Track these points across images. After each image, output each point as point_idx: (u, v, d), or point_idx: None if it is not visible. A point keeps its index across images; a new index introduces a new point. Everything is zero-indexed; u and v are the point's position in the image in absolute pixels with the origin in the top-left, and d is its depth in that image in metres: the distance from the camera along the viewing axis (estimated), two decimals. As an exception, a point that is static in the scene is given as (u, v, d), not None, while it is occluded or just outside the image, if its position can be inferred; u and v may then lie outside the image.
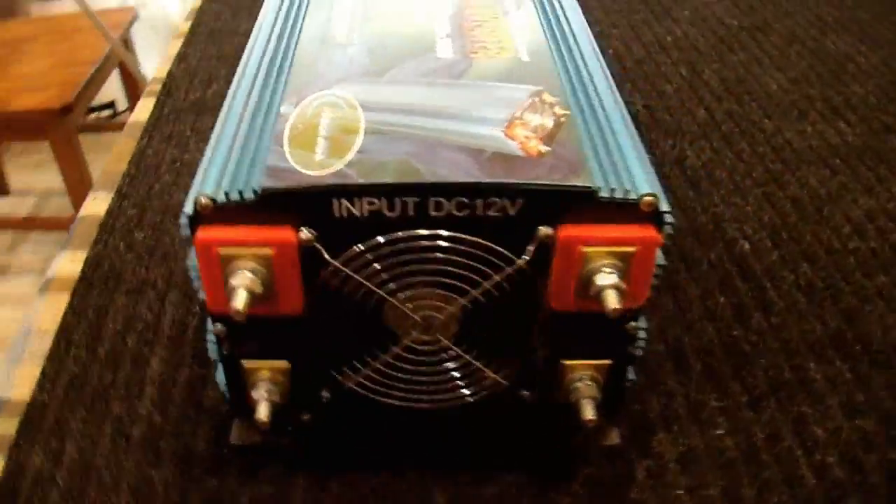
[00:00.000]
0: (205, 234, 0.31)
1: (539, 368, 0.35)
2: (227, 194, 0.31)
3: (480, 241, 0.31)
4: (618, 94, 0.39)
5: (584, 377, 0.35)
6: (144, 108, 0.64)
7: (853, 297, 0.47)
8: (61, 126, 1.12)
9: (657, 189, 0.31)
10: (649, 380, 0.41)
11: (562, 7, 0.45)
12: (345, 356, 0.35)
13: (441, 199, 0.30)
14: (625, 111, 0.37)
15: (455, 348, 0.34)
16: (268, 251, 0.31)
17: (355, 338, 0.34)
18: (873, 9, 0.81)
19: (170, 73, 0.69)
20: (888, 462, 0.37)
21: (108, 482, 0.36)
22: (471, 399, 0.36)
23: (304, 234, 0.31)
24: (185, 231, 0.32)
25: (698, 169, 0.57)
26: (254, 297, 0.31)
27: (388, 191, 0.30)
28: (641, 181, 0.31)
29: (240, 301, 0.30)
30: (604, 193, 0.30)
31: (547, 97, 0.35)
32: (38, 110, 1.10)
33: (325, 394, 0.36)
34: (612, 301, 0.30)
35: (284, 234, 0.31)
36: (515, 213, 0.31)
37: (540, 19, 0.43)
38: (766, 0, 0.83)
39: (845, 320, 0.45)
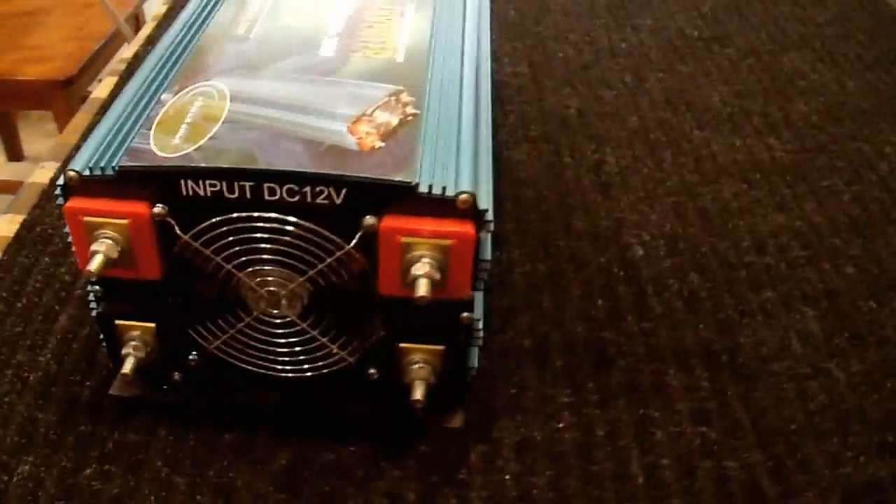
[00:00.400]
0: (72, 203, 0.35)
1: (378, 349, 0.38)
2: (90, 170, 0.35)
3: (310, 225, 0.34)
4: (486, 99, 0.42)
5: (419, 360, 0.38)
6: (106, 87, 0.69)
7: (733, 310, 0.49)
8: (64, 97, 1.18)
9: (480, 189, 0.34)
10: (506, 371, 0.44)
11: (464, 11, 0.48)
12: (204, 321, 0.39)
13: (274, 185, 0.34)
14: (484, 116, 0.40)
15: (301, 323, 0.38)
16: (125, 222, 0.35)
17: (211, 305, 0.38)
18: (839, 27, 0.82)
19: (136, 55, 0.73)
20: (721, 469, 0.39)
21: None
22: (320, 372, 0.39)
23: (157, 209, 0.35)
24: (59, 201, 0.36)
25: (613, 175, 0.60)
26: (112, 261, 0.35)
27: (226, 174, 0.34)
28: (465, 180, 0.34)
29: (94, 264, 0.34)
30: (422, 189, 0.33)
31: (404, 97, 0.38)
32: (42, 81, 1.16)
33: (193, 356, 0.40)
34: (422, 289, 0.33)
35: (139, 207, 0.35)
36: (342, 202, 0.34)
37: (433, 22, 0.46)
38: (734, 12, 0.84)
39: (718, 331, 0.48)
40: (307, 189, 0.34)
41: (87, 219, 0.35)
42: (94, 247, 0.35)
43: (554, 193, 0.58)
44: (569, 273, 0.51)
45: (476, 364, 0.40)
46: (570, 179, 0.59)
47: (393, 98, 0.38)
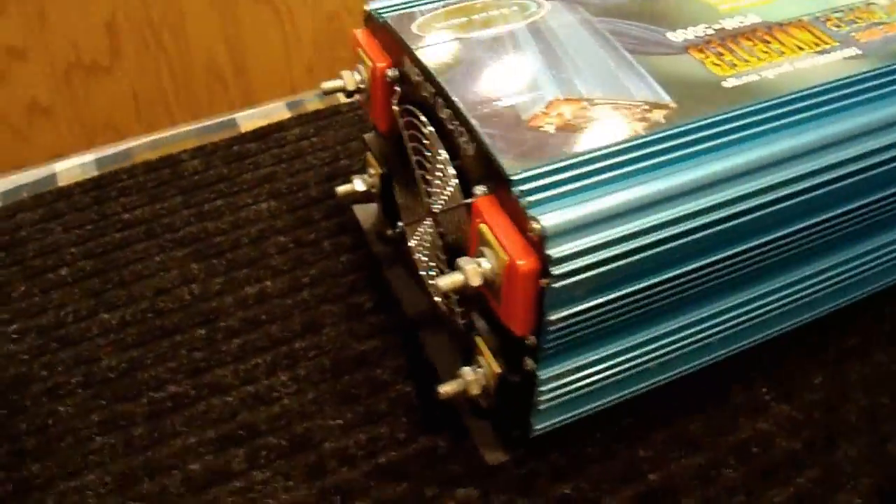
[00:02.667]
0: (358, 32, 0.41)
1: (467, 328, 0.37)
2: (375, 12, 0.39)
3: (453, 161, 0.34)
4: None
5: (479, 361, 0.35)
6: None
7: None
8: None
9: (569, 238, 0.28)
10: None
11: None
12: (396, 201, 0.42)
13: (446, 106, 0.34)
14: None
15: (438, 243, 0.38)
16: (370, 66, 0.39)
17: (404, 186, 0.41)
18: None
19: None
20: None
21: None
22: (439, 307, 0.40)
23: (390, 71, 0.38)
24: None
25: None
26: (352, 91, 0.41)
27: (426, 75, 0.35)
28: (562, 214, 0.29)
29: (346, 80, 0.40)
30: (514, 189, 0.29)
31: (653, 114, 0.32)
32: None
33: (396, 226, 0.44)
34: (456, 272, 0.31)
35: (381, 61, 0.39)
36: (473, 155, 0.32)
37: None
38: None
39: None
40: (457, 125, 0.33)
41: (357, 49, 0.40)
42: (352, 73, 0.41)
43: None
44: None
45: (535, 424, 0.35)
46: None
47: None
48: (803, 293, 0.38)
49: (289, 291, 0.44)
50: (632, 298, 0.32)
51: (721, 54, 0.36)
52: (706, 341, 0.36)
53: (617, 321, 0.33)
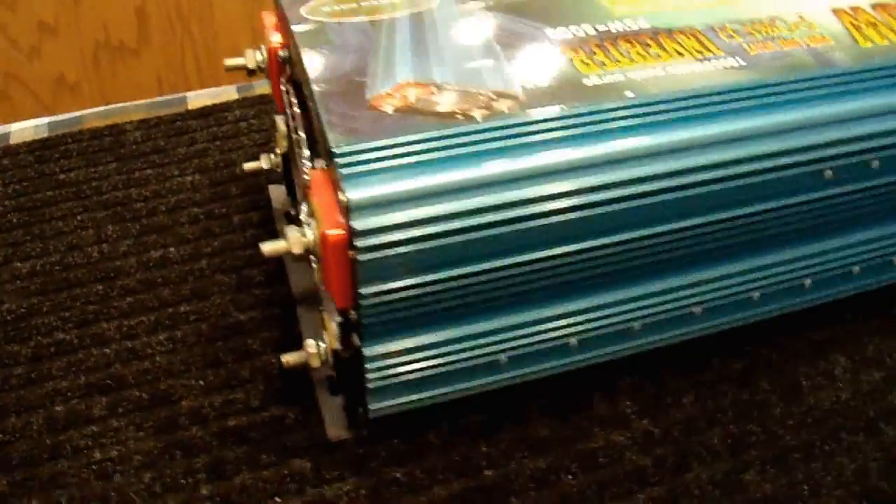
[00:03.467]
0: (265, 13, 0.42)
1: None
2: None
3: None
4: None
5: (321, 328, 0.36)
6: None
7: None
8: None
9: (382, 211, 0.29)
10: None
11: None
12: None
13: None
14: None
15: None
16: (267, 46, 0.41)
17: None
18: None
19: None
20: None
21: None
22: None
23: (282, 51, 0.40)
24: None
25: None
26: (252, 70, 0.42)
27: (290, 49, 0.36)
28: (375, 187, 0.29)
29: (246, 59, 0.42)
30: (337, 160, 0.30)
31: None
32: None
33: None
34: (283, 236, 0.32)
35: (276, 40, 0.40)
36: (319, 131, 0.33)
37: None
38: None
39: None
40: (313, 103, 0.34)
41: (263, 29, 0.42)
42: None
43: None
44: None
45: (370, 404, 0.35)
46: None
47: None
48: (674, 306, 0.37)
49: (189, 259, 0.46)
50: (454, 284, 0.32)
51: (594, 53, 0.36)
52: (560, 342, 0.36)
53: (448, 305, 0.33)
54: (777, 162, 0.35)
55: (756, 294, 0.39)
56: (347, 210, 0.29)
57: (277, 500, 0.35)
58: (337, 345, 0.34)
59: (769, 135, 0.34)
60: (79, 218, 0.48)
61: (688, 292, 0.37)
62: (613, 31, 0.38)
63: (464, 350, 0.35)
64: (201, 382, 0.40)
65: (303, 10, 0.39)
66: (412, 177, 0.30)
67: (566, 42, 0.37)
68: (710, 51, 0.37)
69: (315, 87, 0.33)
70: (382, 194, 0.30)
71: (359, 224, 0.29)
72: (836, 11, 0.41)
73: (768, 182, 0.35)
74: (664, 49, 0.37)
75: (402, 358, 0.34)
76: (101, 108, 0.57)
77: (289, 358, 0.36)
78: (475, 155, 0.31)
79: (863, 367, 0.40)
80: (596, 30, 0.38)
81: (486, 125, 0.32)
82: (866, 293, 0.42)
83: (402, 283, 0.31)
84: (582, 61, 0.36)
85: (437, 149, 0.31)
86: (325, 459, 0.37)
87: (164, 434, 0.38)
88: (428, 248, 0.31)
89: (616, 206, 0.32)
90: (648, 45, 0.37)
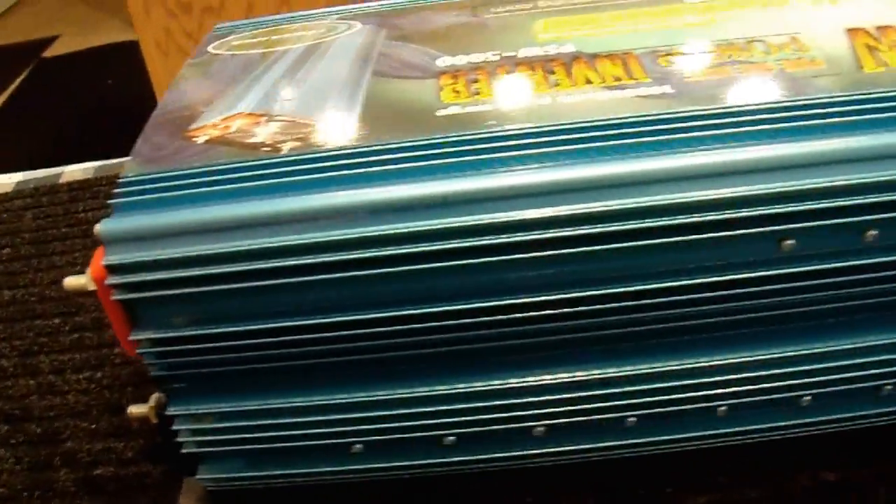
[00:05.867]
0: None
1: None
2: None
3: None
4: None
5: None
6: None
7: None
8: None
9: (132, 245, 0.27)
10: None
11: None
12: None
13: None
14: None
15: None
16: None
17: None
18: None
19: None
20: None
21: None
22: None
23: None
24: None
25: None
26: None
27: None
28: (131, 220, 0.27)
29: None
30: (120, 190, 0.28)
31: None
32: None
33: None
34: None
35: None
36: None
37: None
38: None
39: None
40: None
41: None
42: None
43: None
44: None
45: (200, 472, 0.32)
46: None
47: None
48: (600, 406, 0.30)
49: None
50: (250, 342, 0.28)
51: (475, 82, 0.31)
52: (429, 433, 0.30)
53: (267, 367, 0.29)
54: (674, 220, 0.26)
55: (711, 405, 0.30)
56: (100, 244, 0.27)
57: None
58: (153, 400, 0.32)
59: (665, 181, 0.26)
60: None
61: (617, 390, 0.30)
62: (521, 56, 0.32)
63: (299, 426, 0.31)
64: (93, 426, 0.39)
65: (211, 46, 0.38)
66: (184, 210, 0.27)
67: (452, 70, 0.32)
68: (632, 77, 0.30)
69: (152, 116, 0.32)
70: (143, 227, 0.27)
71: (111, 259, 0.27)
72: (851, 31, 0.31)
73: (660, 250, 0.27)
74: (569, 76, 0.30)
75: (222, 424, 0.31)
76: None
77: (134, 410, 0.34)
78: (263, 190, 0.27)
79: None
80: (498, 56, 0.32)
81: (282, 158, 0.28)
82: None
83: (184, 332, 0.28)
84: (453, 90, 0.30)
85: (221, 182, 0.28)
86: (162, 528, 0.34)
87: (36, 472, 0.37)
88: (202, 294, 0.27)
89: (426, 265, 0.27)
90: (552, 73, 0.31)
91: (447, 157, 0.27)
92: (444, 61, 0.33)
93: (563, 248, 0.26)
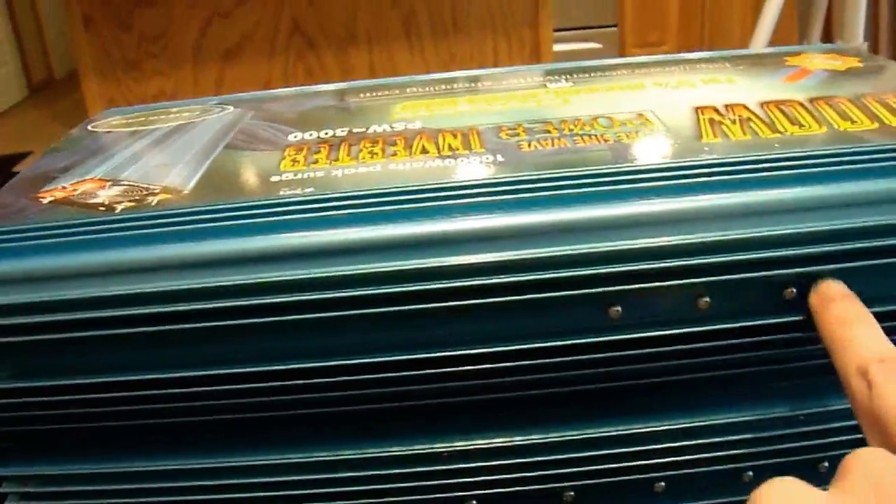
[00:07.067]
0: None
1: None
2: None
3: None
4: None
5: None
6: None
7: None
8: None
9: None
10: None
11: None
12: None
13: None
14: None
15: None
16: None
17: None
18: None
19: None
20: None
21: None
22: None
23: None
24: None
25: None
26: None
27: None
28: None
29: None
30: None
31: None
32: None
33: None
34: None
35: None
36: None
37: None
38: None
39: None
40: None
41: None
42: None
43: None
44: None
45: None
46: None
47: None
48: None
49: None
50: (78, 397, 0.28)
51: (316, 152, 0.33)
52: None
53: (90, 427, 0.29)
54: (497, 280, 0.27)
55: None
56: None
57: None
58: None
59: (481, 240, 0.27)
60: None
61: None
62: (369, 132, 0.34)
63: (137, 494, 0.30)
64: None
65: (92, 124, 0.40)
66: (5, 262, 0.28)
67: (298, 144, 0.34)
68: (468, 148, 0.32)
69: (12, 180, 0.33)
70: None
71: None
72: (698, 108, 0.34)
73: (488, 312, 0.28)
74: (407, 148, 0.32)
75: (51, 488, 0.30)
76: None
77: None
78: (89, 244, 0.28)
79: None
80: (345, 132, 0.34)
81: (113, 216, 0.29)
82: None
83: (8, 385, 0.28)
84: (293, 160, 0.32)
85: (50, 237, 0.29)
86: None
87: None
88: (21, 344, 0.28)
89: (229, 322, 0.27)
90: (394, 144, 0.33)
91: (267, 217, 0.28)
92: (294, 136, 0.35)
93: (395, 306, 0.27)
